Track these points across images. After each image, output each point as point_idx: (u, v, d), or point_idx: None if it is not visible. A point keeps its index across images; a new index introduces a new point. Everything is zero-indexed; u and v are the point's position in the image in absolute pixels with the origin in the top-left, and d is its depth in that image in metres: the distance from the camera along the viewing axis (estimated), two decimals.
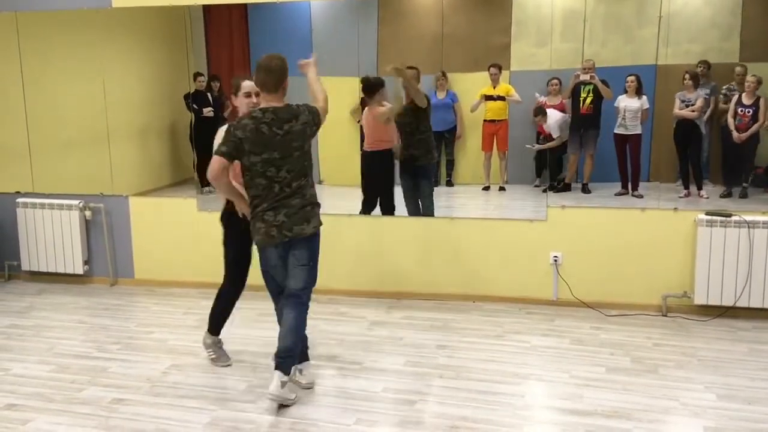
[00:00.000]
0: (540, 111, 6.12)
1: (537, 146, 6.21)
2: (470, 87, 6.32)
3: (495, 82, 6.22)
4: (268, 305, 3.88)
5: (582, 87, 5.97)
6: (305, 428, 3.38)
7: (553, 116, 6.12)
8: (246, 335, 4.59)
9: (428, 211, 5.48)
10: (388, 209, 5.53)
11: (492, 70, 6.19)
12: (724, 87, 5.83)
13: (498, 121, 6.30)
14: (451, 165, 6.47)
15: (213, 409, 3.60)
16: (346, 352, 4.32)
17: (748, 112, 5.56)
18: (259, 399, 3.70)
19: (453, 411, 3.53)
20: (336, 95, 5.92)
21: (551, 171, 6.18)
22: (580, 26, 5.64)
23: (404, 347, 4.40)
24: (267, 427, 3.42)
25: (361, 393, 3.75)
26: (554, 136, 6.12)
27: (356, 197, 5.56)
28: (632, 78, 5.77)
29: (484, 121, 6.34)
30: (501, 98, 6.23)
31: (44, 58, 5.84)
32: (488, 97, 6.26)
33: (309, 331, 3.86)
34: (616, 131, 5.94)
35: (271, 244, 3.55)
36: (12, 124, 5.92)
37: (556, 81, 6.12)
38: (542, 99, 6.21)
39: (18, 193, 5.98)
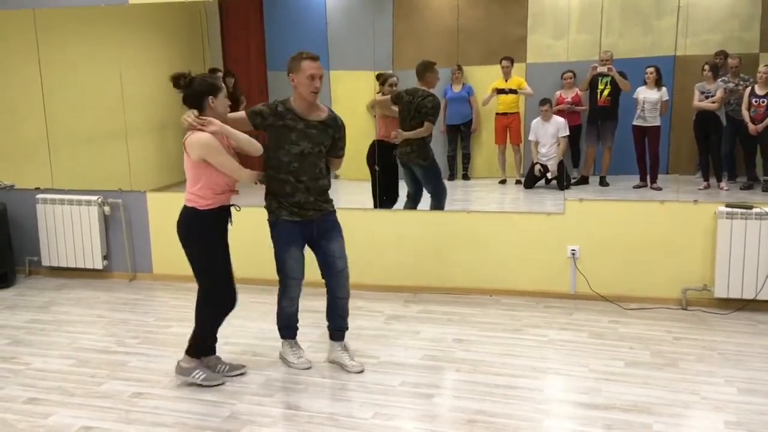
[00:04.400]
0: (546, 101, 6.02)
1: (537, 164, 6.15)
2: (486, 80, 6.28)
3: (507, 75, 6.18)
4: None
5: (599, 79, 5.91)
6: (322, 422, 3.39)
7: (552, 127, 6.03)
8: (262, 329, 4.60)
9: None
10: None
11: (504, 63, 6.15)
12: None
13: (510, 113, 6.27)
14: (467, 158, 6.45)
15: (232, 403, 3.62)
16: (364, 346, 4.32)
17: (763, 102, 5.48)
18: (277, 393, 3.71)
19: (470, 405, 3.52)
20: (352, 89, 5.95)
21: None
22: (598, 17, 5.59)
23: (421, 341, 4.40)
24: (285, 420, 3.43)
25: (378, 387, 3.75)
26: (545, 158, 6.07)
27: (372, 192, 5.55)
28: (651, 69, 5.70)
29: (497, 114, 6.31)
30: (513, 91, 6.20)
31: (62, 54, 5.89)
32: (500, 91, 6.23)
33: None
34: (634, 123, 5.88)
35: None
36: (31, 120, 5.97)
37: (570, 74, 6.05)
38: (558, 92, 6.15)
39: (38, 189, 6.04)
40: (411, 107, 5.36)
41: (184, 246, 3.72)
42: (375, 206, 5.51)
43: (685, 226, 4.85)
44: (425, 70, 5.34)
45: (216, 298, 3.78)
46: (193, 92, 3.56)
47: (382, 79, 5.67)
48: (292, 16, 6.44)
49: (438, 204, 5.46)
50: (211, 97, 3.56)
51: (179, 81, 3.57)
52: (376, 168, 5.54)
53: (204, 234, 3.67)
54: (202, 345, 3.87)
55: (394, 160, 5.57)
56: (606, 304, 4.96)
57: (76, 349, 4.43)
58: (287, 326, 4.06)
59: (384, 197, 5.56)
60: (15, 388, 3.85)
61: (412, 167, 5.46)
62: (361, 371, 3.94)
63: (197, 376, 3.79)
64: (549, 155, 6.04)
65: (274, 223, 3.85)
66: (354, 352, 4.09)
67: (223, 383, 3.81)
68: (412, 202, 5.53)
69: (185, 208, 3.67)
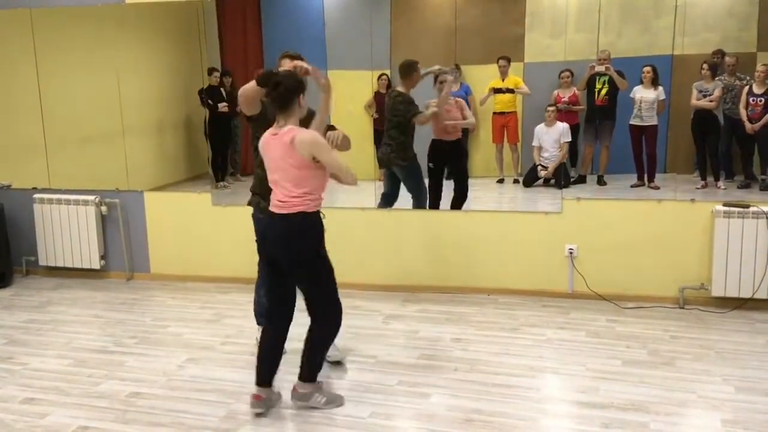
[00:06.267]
0: (552, 106, 6.04)
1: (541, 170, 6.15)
2: (484, 79, 6.28)
3: (504, 74, 6.19)
4: None
5: (597, 78, 5.91)
6: (319, 421, 3.39)
7: (555, 133, 6.04)
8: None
9: None
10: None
11: (501, 62, 6.15)
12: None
13: (507, 113, 6.28)
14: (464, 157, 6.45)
15: (229, 402, 3.61)
16: (361, 345, 4.32)
17: (760, 101, 5.48)
18: None
19: (468, 404, 3.52)
20: (350, 89, 5.94)
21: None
22: (595, 16, 5.59)
23: (419, 340, 4.40)
24: (282, 419, 3.43)
25: (375, 386, 3.75)
26: (548, 159, 6.07)
27: (370, 191, 5.55)
28: (648, 69, 5.70)
29: (494, 113, 6.32)
30: (510, 90, 6.20)
31: (59, 54, 5.88)
32: (497, 90, 6.23)
33: None
34: (631, 122, 5.88)
35: None
36: (28, 120, 5.96)
37: (567, 73, 6.05)
38: (555, 91, 6.16)
39: (35, 188, 6.03)
40: (387, 108, 5.39)
41: (302, 261, 3.34)
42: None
43: (682, 225, 4.85)
44: (411, 69, 5.28)
45: (338, 313, 3.56)
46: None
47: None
48: (290, 15, 6.44)
49: (419, 204, 5.43)
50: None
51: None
52: (430, 166, 5.54)
53: (322, 238, 3.38)
54: (319, 368, 3.58)
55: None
56: (603, 303, 4.96)
57: (73, 348, 4.42)
58: (262, 314, 4.10)
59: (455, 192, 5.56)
60: (12, 388, 3.85)
61: (392, 168, 5.44)
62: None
63: (319, 400, 3.52)
64: (552, 160, 6.06)
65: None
66: None
67: (342, 404, 3.54)
68: (386, 202, 5.48)
69: (292, 216, 3.26)
